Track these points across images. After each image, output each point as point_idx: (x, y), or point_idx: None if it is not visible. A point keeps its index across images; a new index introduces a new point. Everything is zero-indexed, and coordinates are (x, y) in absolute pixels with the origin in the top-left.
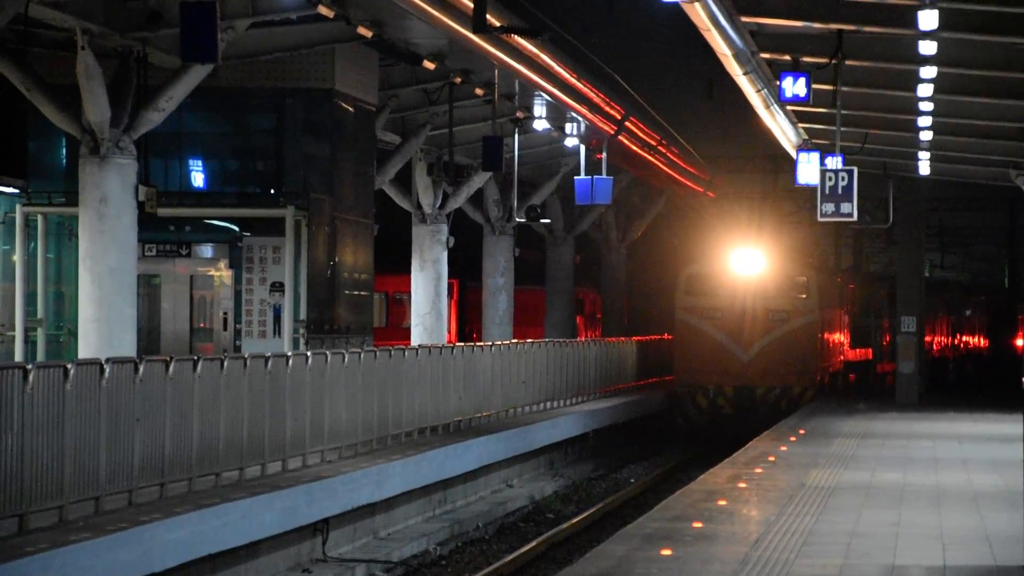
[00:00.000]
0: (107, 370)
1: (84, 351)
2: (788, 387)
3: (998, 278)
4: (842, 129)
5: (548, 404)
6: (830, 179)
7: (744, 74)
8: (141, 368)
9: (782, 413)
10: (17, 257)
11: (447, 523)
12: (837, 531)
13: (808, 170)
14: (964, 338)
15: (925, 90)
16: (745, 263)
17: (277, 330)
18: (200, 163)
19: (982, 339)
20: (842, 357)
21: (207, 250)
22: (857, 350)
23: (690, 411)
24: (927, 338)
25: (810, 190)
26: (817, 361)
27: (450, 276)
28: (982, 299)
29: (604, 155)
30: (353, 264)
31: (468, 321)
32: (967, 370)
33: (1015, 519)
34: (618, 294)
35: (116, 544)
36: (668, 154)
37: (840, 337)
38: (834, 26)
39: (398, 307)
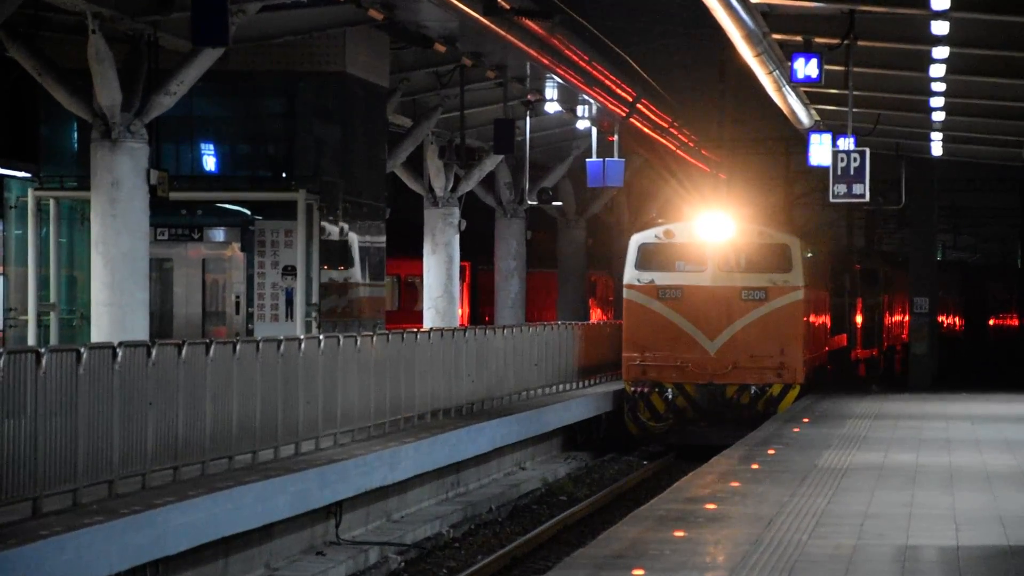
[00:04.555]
0: (120, 354)
1: (97, 335)
2: (766, 386)
3: (1010, 259)
4: (854, 110)
5: (560, 386)
6: (842, 160)
7: (756, 55)
8: (154, 352)
9: (759, 417)
10: (30, 241)
11: (460, 506)
12: (850, 512)
13: (820, 151)
14: (902, 319)
15: (937, 70)
16: (711, 229)
17: (289, 313)
18: (211, 147)
19: (957, 320)
20: (827, 348)
21: (219, 234)
22: (835, 337)
23: (643, 416)
24: (894, 318)
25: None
26: (802, 352)
27: (462, 259)
28: (957, 277)
29: (616, 137)
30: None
31: (480, 304)
32: (941, 355)
33: None
34: None
35: (130, 527)
36: (680, 136)
37: (826, 322)
38: (846, 6)
39: (410, 290)
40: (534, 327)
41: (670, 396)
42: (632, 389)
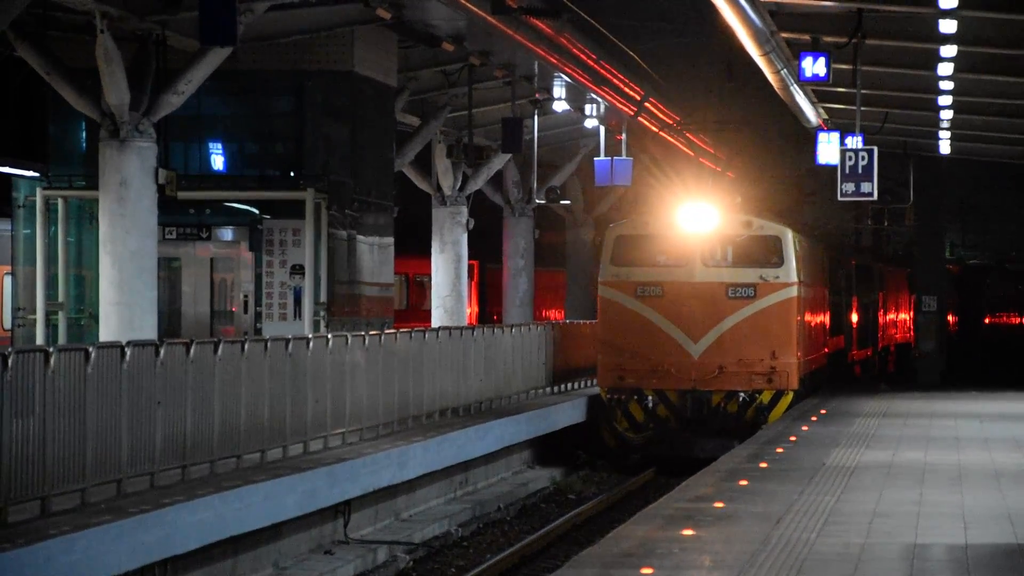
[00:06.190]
0: (128, 353)
1: (105, 334)
2: (755, 392)
3: (1009, 255)
4: (862, 109)
5: (569, 385)
6: (850, 159)
7: (763, 54)
8: (162, 351)
9: (747, 427)
10: (38, 241)
11: (468, 505)
12: (859, 510)
13: (828, 150)
14: (896, 317)
15: (945, 69)
16: (694, 220)
17: (298, 312)
18: (220, 146)
19: (951, 318)
20: (826, 350)
21: (227, 233)
22: (834, 338)
23: (620, 426)
24: (889, 316)
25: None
26: (796, 355)
27: (470, 258)
28: (953, 275)
29: (624, 136)
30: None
31: (489, 303)
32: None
33: None
34: None
35: (138, 526)
36: (693, 139)
37: (824, 322)
38: (854, 5)
39: (419, 289)
40: (541, 325)
41: (650, 404)
42: (608, 396)
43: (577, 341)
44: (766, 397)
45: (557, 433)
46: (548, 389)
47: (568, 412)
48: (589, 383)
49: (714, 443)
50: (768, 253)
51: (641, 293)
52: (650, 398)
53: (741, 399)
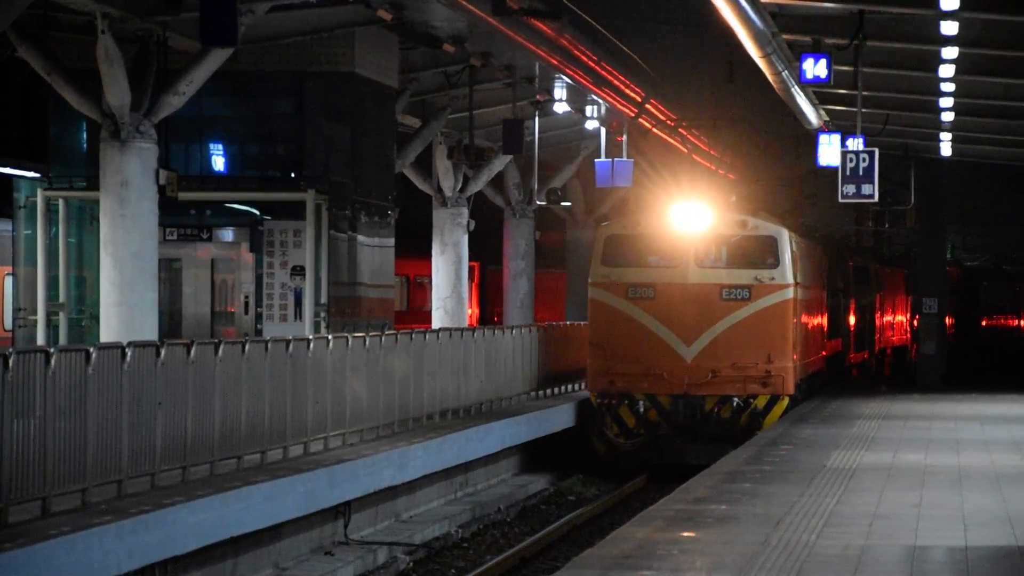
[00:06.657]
0: (129, 354)
1: (106, 335)
2: (750, 397)
3: (1019, 258)
4: (863, 110)
5: (569, 387)
6: (851, 160)
7: (764, 56)
8: (163, 352)
9: (742, 433)
10: (39, 242)
11: (469, 506)
12: (859, 512)
13: (829, 152)
14: (893, 319)
15: (946, 71)
16: (687, 219)
17: (298, 313)
18: (220, 147)
19: (947, 320)
20: (824, 353)
21: (228, 234)
22: (831, 341)
23: (611, 432)
24: (886, 318)
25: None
26: (792, 359)
27: (471, 259)
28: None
29: (624, 137)
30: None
31: (489, 304)
32: (904, 364)
33: None
34: None
35: (139, 527)
36: (688, 136)
37: (822, 324)
38: (855, 7)
39: (419, 290)
40: (542, 327)
41: (641, 409)
42: (598, 401)
43: (577, 343)
44: (761, 402)
45: (548, 438)
46: (547, 391)
47: (568, 414)
48: (584, 386)
49: (707, 449)
50: (764, 254)
51: (632, 294)
52: (641, 403)
53: (735, 404)
